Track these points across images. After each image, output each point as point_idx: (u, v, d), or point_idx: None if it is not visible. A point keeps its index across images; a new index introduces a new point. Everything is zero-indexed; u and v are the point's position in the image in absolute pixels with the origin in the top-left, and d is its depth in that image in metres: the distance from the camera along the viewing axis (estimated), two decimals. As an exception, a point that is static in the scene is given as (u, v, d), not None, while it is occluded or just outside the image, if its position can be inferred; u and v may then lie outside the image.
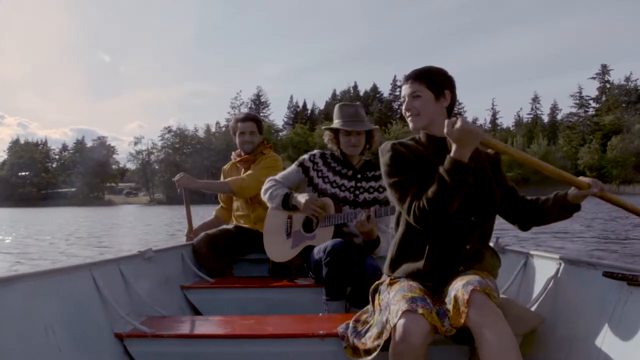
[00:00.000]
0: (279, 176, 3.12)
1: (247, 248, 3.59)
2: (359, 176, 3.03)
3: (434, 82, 1.96)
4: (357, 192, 3.00)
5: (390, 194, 1.96)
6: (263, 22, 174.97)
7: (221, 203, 3.94)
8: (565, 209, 1.99)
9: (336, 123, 3.00)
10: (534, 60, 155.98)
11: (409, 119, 1.98)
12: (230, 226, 3.74)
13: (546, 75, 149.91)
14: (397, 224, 2.04)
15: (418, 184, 1.86)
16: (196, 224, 3.88)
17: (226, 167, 3.92)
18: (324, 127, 3.10)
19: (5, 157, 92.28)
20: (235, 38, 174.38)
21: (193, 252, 3.44)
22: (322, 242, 2.78)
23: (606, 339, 1.67)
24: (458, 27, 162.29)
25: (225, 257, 3.50)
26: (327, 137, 3.08)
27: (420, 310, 1.64)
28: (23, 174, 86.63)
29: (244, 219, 3.67)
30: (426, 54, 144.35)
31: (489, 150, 2.07)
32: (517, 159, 1.95)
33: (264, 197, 3.09)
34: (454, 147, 1.79)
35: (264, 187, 3.11)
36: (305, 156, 3.14)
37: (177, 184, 3.68)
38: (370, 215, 2.67)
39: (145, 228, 18.71)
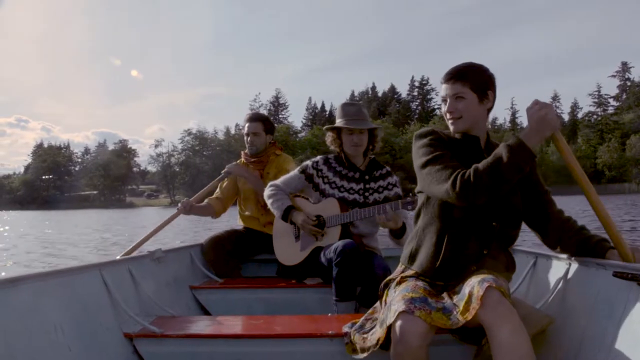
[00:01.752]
0: (280, 181, 3.10)
1: (255, 249, 3.59)
2: (366, 177, 3.01)
3: (478, 82, 1.88)
4: (366, 194, 2.98)
5: (425, 172, 1.87)
6: (280, 23, 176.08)
7: (218, 194, 3.81)
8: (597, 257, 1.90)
9: (339, 122, 2.97)
10: (554, 59, 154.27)
11: (450, 121, 1.91)
12: (239, 227, 3.73)
13: (566, 73, 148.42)
14: (417, 216, 2.02)
15: (456, 161, 1.84)
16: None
17: (234, 164, 3.80)
18: (325, 127, 3.06)
19: (30, 160, 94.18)
20: (252, 40, 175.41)
21: (202, 253, 3.46)
22: (330, 243, 2.79)
23: (616, 340, 1.64)
24: (477, 25, 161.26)
25: (233, 258, 3.50)
26: (329, 138, 3.06)
27: (417, 313, 1.63)
28: (46, 177, 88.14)
29: (253, 222, 3.65)
30: (445, 53, 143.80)
31: None
32: (575, 176, 1.82)
33: (267, 203, 3.09)
34: (527, 129, 1.73)
35: (266, 193, 3.10)
36: (308, 163, 3.09)
37: (227, 170, 3.61)
38: (387, 215, 2.62)
39: (174, 228, 18.87)
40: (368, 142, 3.00)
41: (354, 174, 3.01)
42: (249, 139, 3.62)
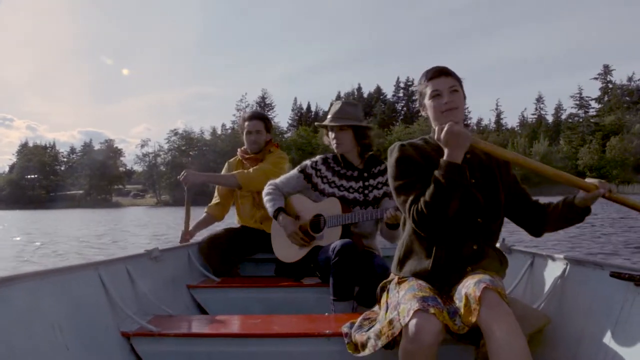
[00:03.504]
0: (279, 180, 3.12)
1: (253, 248, 3.58)
2: (365, 174, 3.02)
3: (459, 80, 1.97)
4: (366, 192, 2.98)
5: (394, 197, 1.95)
6: (267, 24, 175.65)
7: (217, 199, 3.85)
8: (576, 213, 1.94)
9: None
10: (538, 61, 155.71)
11: (446, 112, 1.90)
12: (236, 226, 3.73)
13: (550, 75, 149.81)
14: (404, 226, 2.03)
15: (420, 188, 1.86)
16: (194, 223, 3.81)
17: (232, 160, 3.85)
18: (315, 124, 3.11)
19: (15, 159, 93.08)
20: (239, 40, 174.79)
21: (199, 252, 3.45)
22: (330, 242, 2.78)
23: (613, 340, 1.66)
24: (461, 28, 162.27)
25: (231, 257, 3.49)
26: (325, 137, 3.10)
27: (432, 310, 1.62)
28: (31, 176, 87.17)
29: (249, 220, 3.65)
30: (430, 55, 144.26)
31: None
32: (511, 161, 1.92)
33: (264, 202, 3.11)
34: (446, 150, 1.81)
35: (264, 191, 3.12)
36: (307, 162, 3.11)
37: (183, 182, 3.61)
38: (390, 213, 2.64)
39: (168, 227, 18.86)
40: (357, 140, 2.98)
41: (353, 173, 3.02)
42: (252, 137, 3.63)
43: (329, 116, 3.02)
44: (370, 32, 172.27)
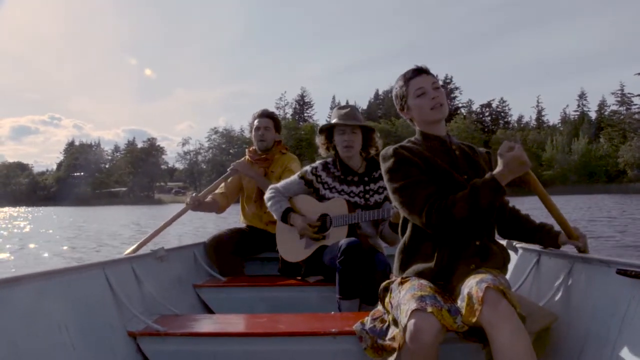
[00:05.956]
0: (280, 185, 3.12)
1: (258, 247, 3.60)
2: (366, 179, 3.00)
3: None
4: (367, 196, 2.97)
5: (394, 199, 1.92)
6: (306, 22, 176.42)
7: (222, 189, 3.83)
8: (549, 245, 2.13)
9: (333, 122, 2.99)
10: (580, 56, 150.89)
11: (434, 109, 1.94)
12: (242, 226, 3.75)
13: (593, 71, 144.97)
14: (404, 228, 2.00)
15: (429, 185, 1.84)
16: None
17: (241, 161, 3.82)
18: (320, 127, 3.04)
19: (62, 158, 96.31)
20: (278, 38, 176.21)
21: (205, 251, 3.48)
22: (335, 242, 2.77)
23: (620, 337, 1.62)
24: (501, 24, 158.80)
25: (236, 256, 3.51)
26: (319, 141, 3.08)
27: (429, 309, 1.61)
28: (78, 174, 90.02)
29: (255, 220, 3.67)
30: (468, 52, 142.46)
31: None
32: (538, 194, 2.00)
33: (267, 205, 3.11)
34: (500, 167, 1.80)
35: (266, 196, 3.12)
36: (307, 168, 3.10)
37: (234, 167, 3.63)
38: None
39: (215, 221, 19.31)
40: (363, 143, 2.99)
41: (353, 177, 3.00)
42: (259, 133, 3.64)
43: (335, 119, 2.98)
44: (408, 31, 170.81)
